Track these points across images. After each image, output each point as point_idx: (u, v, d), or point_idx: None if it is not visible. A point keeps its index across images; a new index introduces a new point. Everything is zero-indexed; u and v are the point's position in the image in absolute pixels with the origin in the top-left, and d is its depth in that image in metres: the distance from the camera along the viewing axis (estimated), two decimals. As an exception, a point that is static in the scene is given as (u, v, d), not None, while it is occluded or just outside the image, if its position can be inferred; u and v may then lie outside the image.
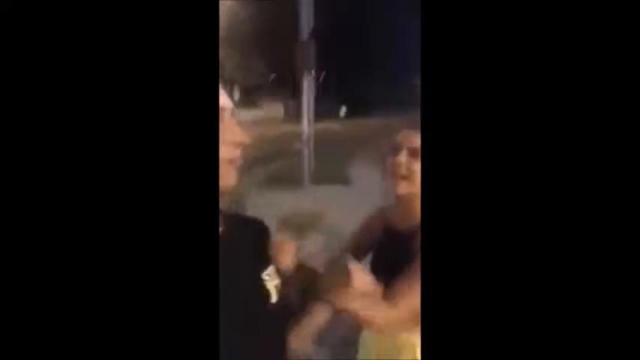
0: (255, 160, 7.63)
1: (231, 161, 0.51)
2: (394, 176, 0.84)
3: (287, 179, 5.48)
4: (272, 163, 7.24)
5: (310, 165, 5.36)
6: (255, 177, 6.17)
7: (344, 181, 5.36)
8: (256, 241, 0.64)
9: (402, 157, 0.83)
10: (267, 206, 4.60)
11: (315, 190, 4.92)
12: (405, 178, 0.83)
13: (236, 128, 0.51)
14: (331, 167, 5.83)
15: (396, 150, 0.84)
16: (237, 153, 0.52)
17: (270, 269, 0.61)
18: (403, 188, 0.84)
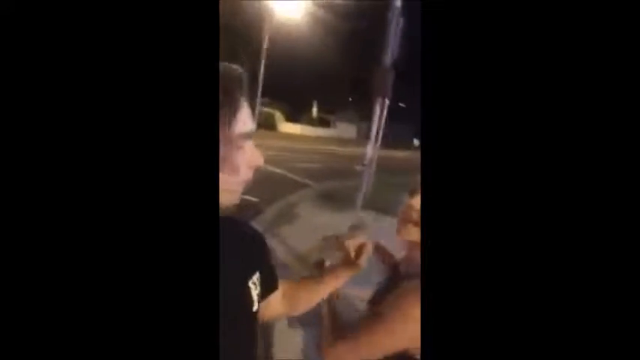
0: (316, 175, 7.80)
1: (244, 182, 0.54)
2: (404, 219, 0.77)
3: (340, 199, 5.47)
4: (331, 181, 7.33)
5: (367, 190, 5.28)
6: (310, 191, 6.29)
7: (396, 213, 5.17)
8: (252, 248, 0.66)
9: (418, 202, 0.75)
10: (310, 222, 4.65)
11: (364, 217, 4.82)
12: (416, 224, 0.75)
13: (255, 152, 0.54)
14: (388, 196, 5.68)
15: (414, 192, 0.77)
16: (250, 174, 0.54)
17: (256, 277, 0.63)
18: (409, 235, 0.76)
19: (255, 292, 0.61)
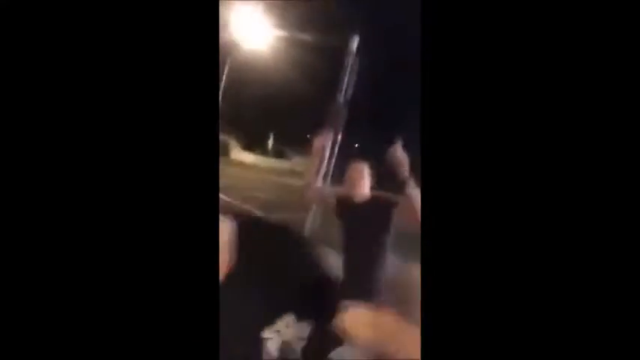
0: (265, 207, 7.70)
1: None
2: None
3: (286, 232, 5.37)
4: (279, 213, 7.25)
5: (314, 224, 5.23)
6: (259, 224, 6.16)
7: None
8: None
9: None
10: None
11: (309, 250, 4.75)
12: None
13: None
14: (334, 231, 5.69)
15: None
16: None
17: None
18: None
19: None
